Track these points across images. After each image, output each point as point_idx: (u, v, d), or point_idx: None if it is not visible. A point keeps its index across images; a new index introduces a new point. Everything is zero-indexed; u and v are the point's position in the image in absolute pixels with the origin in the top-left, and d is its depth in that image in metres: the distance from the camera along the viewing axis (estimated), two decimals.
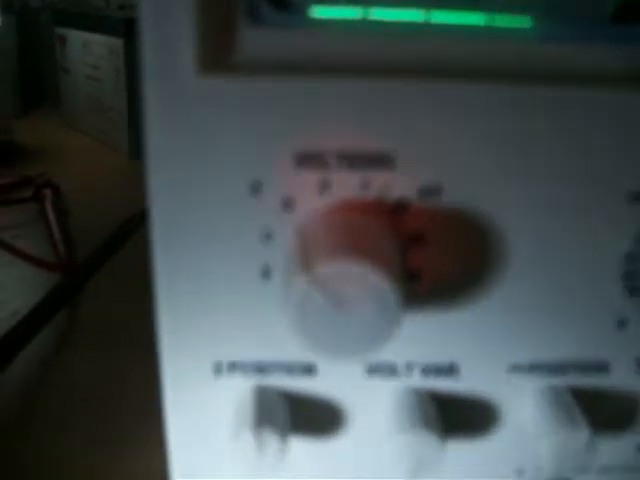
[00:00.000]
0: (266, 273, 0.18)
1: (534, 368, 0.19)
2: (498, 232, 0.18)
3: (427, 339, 0.19)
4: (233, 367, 0.19)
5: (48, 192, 0.52)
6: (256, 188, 0.17)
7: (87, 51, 0.65)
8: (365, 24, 0.17)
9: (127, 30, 0.59)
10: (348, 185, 0.17)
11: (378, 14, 0.17)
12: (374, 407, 0.19)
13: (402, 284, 0.15)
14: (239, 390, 0.19)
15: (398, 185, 0.17)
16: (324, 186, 0.17)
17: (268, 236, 0.17)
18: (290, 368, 0.19)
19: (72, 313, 0.39)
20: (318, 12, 0.17)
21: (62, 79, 0.71)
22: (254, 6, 0.16)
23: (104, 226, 0.47)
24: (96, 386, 0.32)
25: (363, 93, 0.16)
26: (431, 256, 0.18)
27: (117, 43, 0.60)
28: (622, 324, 0.19)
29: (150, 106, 0.16)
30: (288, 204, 0.17)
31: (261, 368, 0.19)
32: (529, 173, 0.17)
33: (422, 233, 0.17)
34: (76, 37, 0.66)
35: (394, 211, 0.17)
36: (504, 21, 0.17)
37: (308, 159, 0.17)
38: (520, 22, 0.18)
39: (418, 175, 0.17)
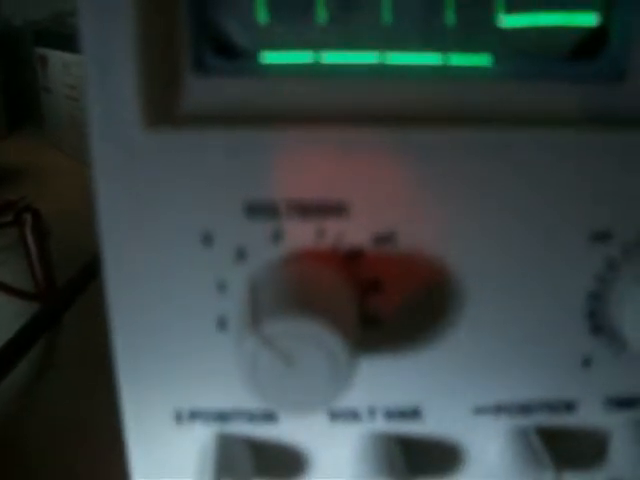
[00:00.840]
0: (222, 324, 0.17)
1: (499, 409, 0.19)
2: (456, 275, 0.17)
3: (389, 383, 0.18)
4: (194, 415, 0.19)
5: (28, 217, 0.51)
6: (208, 239, 0.17)
7: (67, 71, 0.64)
8: (318, 68, 0.17)
9: None
10: (302, 234, 0.17)
11: (330, 57, 0.17)
12: (338, 452, 0.19)
13: (354, 335, 0.15)
14: (201, 438, 0.19)
15: (352, 233, 0.17)
16: (277, 236, 0.17)
17: (222, 287, 0.17)
18: (251, 416, 0.19)
19: (50, 342, 0.39)
20: (268, 58, 0.17)
21: (44, 99, 0.71)
22: (200, 55, 0.16)
23: (86, 249, 0.47)
24: (76, 418, 0.32)
25: (315, 141, 0.16)
26: (389, 301, 0.18)
27: None
28: (587, 363, 0.19)
29: (97, 160, 0.16)
30: (241, 254, 0.17)
31: (222, 416, 0.19)
32: (486, 216, 0.17)
33: (379, 279, 0.17)
34: (56, 57, 0.65)
35: (349, 258, 0.17)
36: (462, 60, 0.17)
37: (259, 209, 0.16)
38: (479, 60, 0.17)
39: (372, 222, 0.17)
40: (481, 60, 0.17)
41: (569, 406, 0.19)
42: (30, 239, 0.48)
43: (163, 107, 0.16)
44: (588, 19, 0.17)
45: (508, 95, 0.17)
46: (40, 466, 0.28)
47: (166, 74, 0.16)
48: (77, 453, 0.29)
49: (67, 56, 0.64)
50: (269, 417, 0.18)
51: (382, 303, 0.18)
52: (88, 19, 0.15)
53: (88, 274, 0.44)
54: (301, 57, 0.17)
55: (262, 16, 0.16)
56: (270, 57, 0.17)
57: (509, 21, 0.17)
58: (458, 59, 0.17)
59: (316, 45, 0.17)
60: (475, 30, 0.17)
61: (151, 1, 0.15)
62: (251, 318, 0.15)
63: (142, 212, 0.16)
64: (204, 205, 0.16)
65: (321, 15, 0.17)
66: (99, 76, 0.15)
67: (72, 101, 0.65)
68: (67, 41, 0.64)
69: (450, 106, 0.16)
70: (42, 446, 0.30)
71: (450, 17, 0.17)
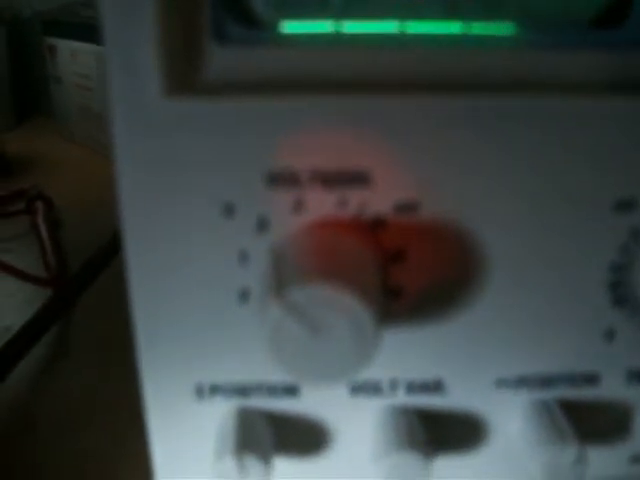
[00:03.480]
0: (244, 295, 0.17)
1: (521, 382, 0.19)
2: (479, 246, 0.17)
3: (411, 356, 0.18)
4: (215, 390, 0.18)
5: (40, 204, 0.51)
6: (229, 210, 0.16)
7: (76, 60, 0.64)
8: (338, 38, 0.17)
9: None
10: (323, 204, 0.16)
11: (351, 27, 0.17)
12: (359, 426, 0.19)
13: (380, 305, 0.15)
14: (222, 413, 0.19)
15: (375, 202, 0.17)
16: (299, 205, 0.16)
17: (244, 258, 0.17)
18: (272, 390, 0.18)
19: (64, 328, 0.39)
20: (288, 27, 0.17)
21: (53, 88, 0.70)
22: (220, 24, 0.16)
23: (98, 237, 0.47)
24: (91, 401, 0.32)
25: (336, 109, 0.16)
26: (412, 272, 0.17)
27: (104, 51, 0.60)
28: (610, 335, 0.19)
29: (117, 131, 0.16)
30: (263, 225, 0.17)
31: (243, 390, 0.18)
32: (510, 184, 0.17)
33: (401, 250, 0.17)
34: (65, 46, 0.65)
35: (372, 228, 0.17)
36: (483, 29, 0.17)
37: (280, 179, 0.16)
38: (501, 29, 0.17)
39: (395, 191, 0.17)
40: (503, 29, 0.17)
41: (591, 379, 0.19)
42: (42, 227, 0.48)
43: (183, 76, 0.16)
44: None
45: (530, 63, 0.16)
46: (56, 450, 0.28)
47: (187, 43, 0.16)
48: (92, 437, 0.29)
49: (76, 45, 0.63)
50: (290, 391, 0.18)
51: (405, 274, 0.17)
52: None
53: (101, 260, 0.44)
54: (321, 27, 0.17)
55: None
56: (290, 27, 0.17)
57: None
58: (479, 28, 0.17)
59: (336, 14, 0.17)
60: None
61: None
62: (276, 285, 0.15)
63: (162, 183, 0.16)
64: (225, 175, 0.16)
65: None
66: (119, 45, 0.15)
67: (82, 90, 0.65)
68: (76, 30, 0.64)
69: (471, 74, 0.16)
70: (57, 431, 0.30)
71: None
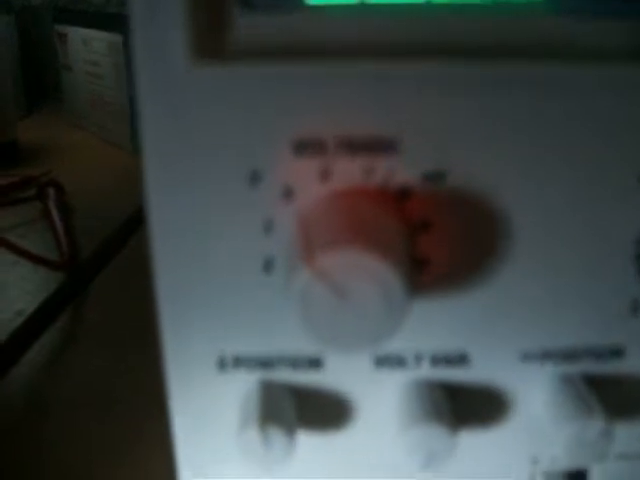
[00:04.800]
0: (268, 265, 0.17)
1: (546, 355, 0.19)
2: (506, 216, 0.17)
3: (436, 328, 0.18)
4: (237, 362, 0.18)
5: (51, 191, 0.52)
6: (255, 178, 0.16)
7: (87, 48, 0.64)
8: (363, 8, 0.17)
9: (127, 26, 0.59)
10: (350, 172, 0.16)
11: None
12: (383, 399, 0.19)
13: (409, 273, 0.15)
14: (244, 385, 0.19)
15: (402, 171, 0.16)
16: (325, 173, 0.16)
17: (269, 227, 0.17)
18: (296, 362, 0.18)
19: (76, 312, 0.39)
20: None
21: (64, 77, 0.71)
22: None
23: (108, 223, 0.47)
24: (103, 384, 0.32)
25: (363, 77, 0.16)
26: (438, 242, 0.17)
27: (117, 39, 0.60)
28: (636, 308, 0.18)
29: (143, 99, 0.16)
30: (288, 193, 0.16)
31: (266, 362, 0.18)
32: (536, 155, 0.17)
33: (428, 219, 0.17)
34: (76, 34, 0.65)
35: (398, 198, 0.17)
36: None
37: (307, 146, 0.16)
38: None
39: (422, 160, 0.16)
40: None
41: (616, 352, 0.19)
42: (54, 212, 0.48)
43: (210, 43, 0.15)
44: None
45: (559, 31, 0.16)
46: (67, 434, 0.28)
47: (213, 10, 0.15)
48: (104, 422, 0.29)
49: (87, 32, 0.63)
50: (314, 363, 0.18)
51: (430, 244, 0.17)
52: None
53: (114, 244, 0.44)
54: None
55: None
56: None
57: None
58: None
59: None
60: None
61: None
62: (304, 250, 0.15)
63: (188, 151, 0.16)
64: (252, 143, 0.16)
65: None
66: (145, 10, 0.15)
67: (93, 78, 0.65)
68: (87, 18, 0.64)
69: (499, 41, 0.16)
70: (69, 415, 0.30)
71: None
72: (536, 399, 0.19)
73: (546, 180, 0.17)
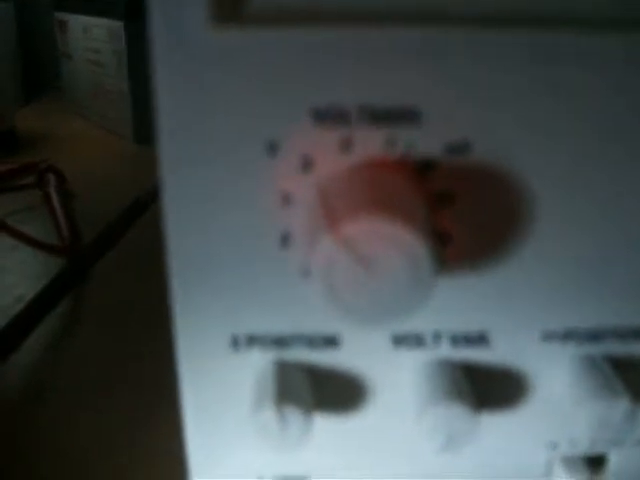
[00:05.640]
0: (285, 239, 0.17)
1: (569, 335, 0.18)
2: (531, 191, 0.17)
3: (456, 307, 0.18)
4: (251, 341, 0.18)
5: (51, 177, 0.51)
6: (273, 148, 0.16)
7: (88, 35, 0.63)
8: None
9: (128, 12, 0.58)
10: (371, 142, 0.16)
11: None
12: (401, 380, 0.18)
13: (436, 245, 0.14)
14: (258, 365, 0.18)
15: (424, 142, 0.16)
16: (345, 144, 0.16)
17: (287, 199, 0.16)
18: (312, 340, 0.18)
19: (78, 297, 0.39)
20: None
21: (64, 65, 0.70)
22: None
23: (109, 211, 0.46)
24: (106, 369, 0.31)
25: (386, 44, 0.15)
26: (460, 217, 0.17)
27: (118, 26, 0.59)
28: None
29: (158, 65, 0.15)
30: (307, 164, 0.16)
31: (281, 341, 0.18)
32: (563, 126, 0.16)
33: (450, 192, 0.16)
34: (76, 21, 0.65)
35: (421, 170, 0.16)
36: None
37: (328, 115, 0.16)
38: None
39: (445, 131, 0.16)
40: None
41: (639, 334, 0.18)
42: (54, 198, 0.47)
43: (228, 5, 0.15)
44: None
45: None
46: (68, 421, 0.28)
47: None
48: (106, 408, 0.29)
49: (88, 20, 0.63)
50: (330, 341, 0.18)
51: (452, 219, 0.17)
52: None
53: (116, 230, 0.43)
54: None
55: None
56: None
57: None
58: None
59: None
60: None
61: None
62: (326, 220, 0.14)
63: (204, 118, 0.16)
64: (270, 111, 0.16)
65: None
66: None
67: (93, 66, 0.64)
68: (87, 4, 0.63)
69: (527, 8, 0.16)
70: (70, 402, 0.29)
71: None
72: (558, 380, 0.18)
73: (574, 156, 0.16)
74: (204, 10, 0.15)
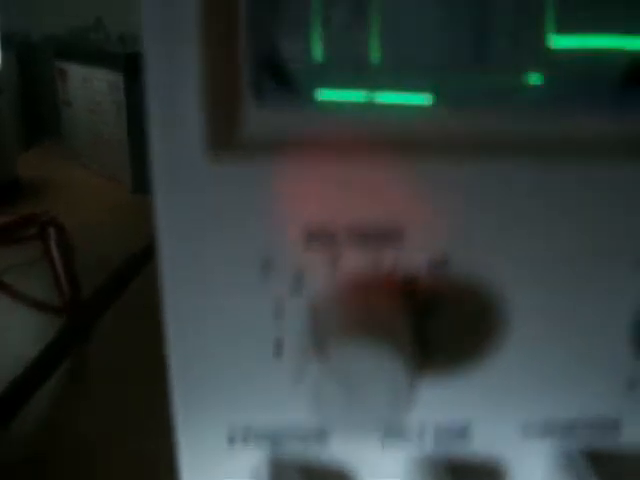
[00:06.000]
0: (278, 348, 0.18)
1: (547, 428, 0.19)
2: (505, 298, 0.18)
3: (438, 402, 0.19)
4: (247, 437, 0.19)
5: (52, 230, 0.52)
6: (266, 265, 0.17)
7: (88, 85, 0.65)
8: (371, 107, 0.17)
9: (127, 65, 0.60)
10: (359, 261, 0.17)
11: (384, 98, 0.17)
12: (385, 472, 0.19)
13: (414, 364, 0.16)
14: (254, 460, 0.19)
15: (408, 259, 0.17)
16: (335, 262, 0.17)
17: (280, 312, 0.17)
18: (304, 437, 0.19)
19: (79, 359, 0.39)
20: (324, 95, 0.17)
21: (64, 113, 0.71)
22: (260, 87, 0.16)
23: (109, 262, 0.47)
24: (107, 442, 0.32)
25: (371, 170, 0.16)
26: (442, 326, 0.18)
27: (117, 78, 0.60)
28: (633, 385, 0.19)
29: (157, 187, 0.16)
30: (299, 280, 0.17)
31: (275, 437, 0.19)
32: (533, 243, 0.17)
33: (432, 303, 0.18)
34: (77, 71, 0.66)
35: (405, 284, 0.17)
36: (508, 81, 0.17)
37: (318, 236, 0.17)
38: (530, 79, 0.17)
39: (427, 248, 0.17)
40: (534, 79, 0.17)
41: (614, 426, 0.20)
42: (55, 253, 0.48)
43: (224, 134, 0.16)
44: None
45: (556, 120, 0.17)
46: None
47: (228, 104, 0.16)
48: (109, 469, 0.29)
49: (88, 70, 0.64)
50: (321, 436, 0.19)
51: (434, 328, 0.18)
52: (153, 49, 0.15)
53: (114, 286, 0.44)
54: (355, 96, 0.17)
55: (317, 54, 0.17)
56: (325, 94, 0.17)
57: (559, 42, 0.17)
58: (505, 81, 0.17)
59: (370, 85, 0.17)
60: (524, 50, 0.17)
61: (216, 35, 0.15)
62: (314, 346, 0.15)
63: (201, 237, 0.17)
64: (264, 231, 0.17)
65: (375, 56, 0.17)
66: (161, 105, 0.16)
67: (93, 115, 0.66)
68: (88, 55, 0.64)
69: (499, 133, 0.17)
70: (74, 462, 0.30)
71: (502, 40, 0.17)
72: (535, 476, 0.19)
73: (546, 264, 0.18)
74: (200, 137, 0.16)
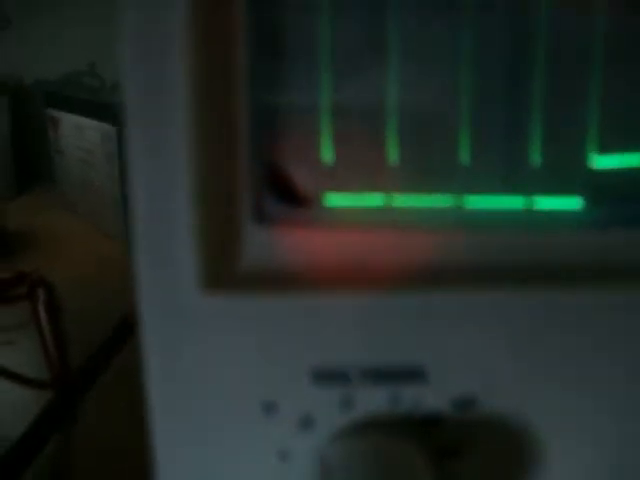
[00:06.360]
0: None
1: None
2: (536, 438, 0.16)
3: None
4: None
5: (41, 291, 0.50)
6: (271, 407, 0.15)
7: (80, 135, 0.63)
8: (388, 213, 0.15)
9: (120, 116, 0.58)
10: (374, 401, 0.15)
11: (402, 201, 0.16)
12: None
13: None
14: None
15: (430, 398, 0.15)
16: (347, 403, 0.15)
17: (285, 455, 0.15)
18: None
19: (66, 436, 0.37)
20: (333, 201, 0.15)
21: (56, 160, 0.69)
22: (260, 204, 0.15)
23: (100, 320, 0.46)
24: None
25: (388, 304, 0.14)
26: (467, 464, 0.16)
27: (110, 130, 0.59)
28: None
29: (147, 326, 0.14)
30: (307, 423, 0.15)
31: None
32: (563, 378, 0.15)
33: (457, 444, 0.16)
34: (69, 120, 0.65)
35: (425, 424, 0.15)
36: (549, 203, 0.16)
37: (328, 376, 0.15)
38: (568, 203, 0.16)
39: (450, 387, 0.15)
40: (570, 203, 0.16)
41: None
42: (43, 317, 0.46)
43: (221, 266, 0.14)
44: None
45: (601, 247, 0.15)
46: None
47: (223, 228, 0.14)
48: None
49: (80, 120, 0.63)
50: None
51: (460, 467, 0.16)
52: (140, 169, 0.14)
53: (103, 357, 0.42)
54: (369, 200, 0.15)
55: (327, 156, 0.15)
56: (335, 200, 0.15)
57: (601, 162, 0.16)
58: (545, 202, 0.16)
59: (386, 187, 0.15)
60: (564, 171, 0.16)
61: (210, 153, 0.14)
62: None
63: (196, 378, 0.15)
64: (266, 372, 0.15)
65: (392, 154, 0.15)
66: (150, 235, 0.14)
67: (84, 164, 0.64)
68: (79, 104, 0.63)
69: (534, 260, 0.15)
70: None
71: (536, 157, 0.15)
72: None
73: (574, 403, 0.16)
74: (194, 274, 0.14)
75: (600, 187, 0.15)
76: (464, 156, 0.15)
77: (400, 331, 0.15)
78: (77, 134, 0.64)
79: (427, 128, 0.15)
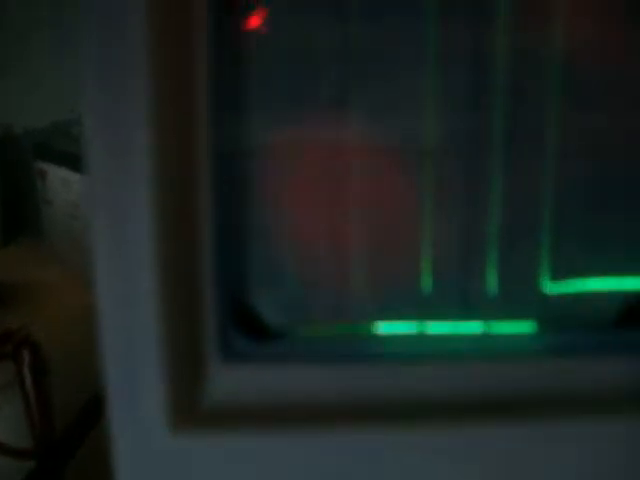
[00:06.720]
0: None
1: None
2: None
3: None
4: None
5: (26, 352, 0.50)
6: None
7: (67, 189, 0.63)
8: (358, 341, 0.16)
9: None
10: None
11: (386, 328, 0.16)
12: None
13: None
14: None
15: None
16: None
17: None
18: None
19: None
20: (302, 333, 0.16)
21: (44, 211, 0.70)
22: (227, 339, 0.15)
23: (87, 379, 0.45)
24: None
25: (359, 440, 0.15)
26: None
27: None
28: None
29: (120, 465, 0.14)
30: None
31: None
32: None
33: None
34: (56, 174, 0.65)
35: None
36: (504, 328, 0.16)
37: None
38: (521, 327, 0.16)
39: None
40: (524, 328, 0.16)
41: None
42: (28, 380, 0.46)
43: (189, 404, 0.14)
44: (637, 283, 0.16)
45: (552, 371, 0.15)
46: None
47: (190, 364, 0.15)
48: None
49: (67, 173, 0.63)
50: None
51: None
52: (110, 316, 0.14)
53: (88, 420, 0.42)
54: (339, 328, 0.16)
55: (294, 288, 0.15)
56: (304, 332, 0.16)
57: (553, 287, 0.16)
58: (500, 327, 0.16)
59: (355, 315, 0.16)
60: (518, 297, 0.16)
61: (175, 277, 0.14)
62: None
63: None
64: None
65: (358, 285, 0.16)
66: (119, 379, 0.14)
67: (71, 218, 0.64)
68: (67, 158, 0.63)
69: (491, 388, 0.15)
70: None
71: (492, 284, 0.16)
72: None
73: None
74: (161, 412, 0.14)
75: (552, 312, 0.16)
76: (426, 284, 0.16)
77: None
78: (64, 187, 0.64)
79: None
